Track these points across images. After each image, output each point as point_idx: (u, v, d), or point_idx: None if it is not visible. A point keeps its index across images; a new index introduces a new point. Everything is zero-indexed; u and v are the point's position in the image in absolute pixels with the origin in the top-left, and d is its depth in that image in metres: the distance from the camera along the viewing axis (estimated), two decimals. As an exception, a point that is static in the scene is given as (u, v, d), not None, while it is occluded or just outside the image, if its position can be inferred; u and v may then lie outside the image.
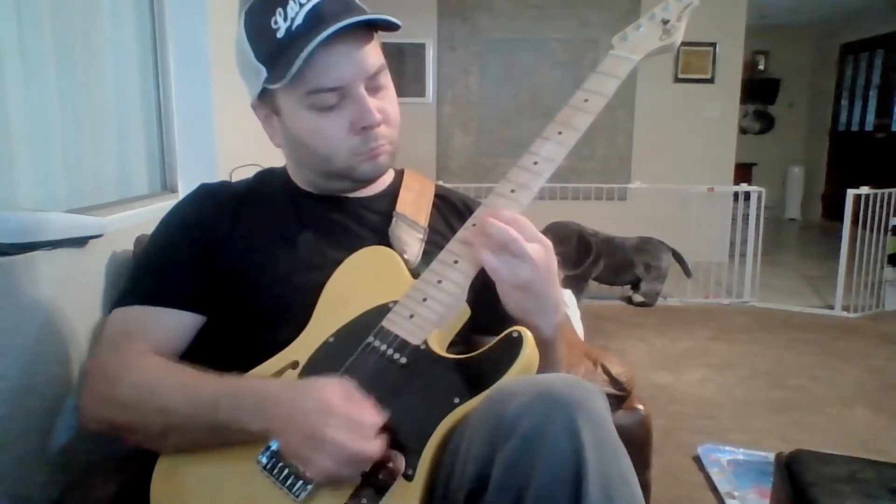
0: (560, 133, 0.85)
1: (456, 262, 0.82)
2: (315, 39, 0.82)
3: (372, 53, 0.90)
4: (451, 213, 1.05)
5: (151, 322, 0.90)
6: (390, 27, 0.90)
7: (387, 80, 0.93)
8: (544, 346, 0.80)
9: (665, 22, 0.91)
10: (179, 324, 0.91)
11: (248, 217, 0.96)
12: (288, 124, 0.92)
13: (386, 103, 0.93)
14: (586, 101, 0.86)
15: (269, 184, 1.02)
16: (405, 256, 0.92)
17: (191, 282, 0.92)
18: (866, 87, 7.02)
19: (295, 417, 0.72)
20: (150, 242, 0.99)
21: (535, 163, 0.85)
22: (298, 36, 0.85)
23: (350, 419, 0.71)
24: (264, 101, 0.94)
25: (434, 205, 1.04)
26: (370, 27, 0.90)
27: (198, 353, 0.95)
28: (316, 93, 0.87)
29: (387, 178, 1.04)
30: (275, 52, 0.87)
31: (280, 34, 0.86)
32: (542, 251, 0.79)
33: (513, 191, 0.84)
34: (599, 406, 0.68)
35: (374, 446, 0.71)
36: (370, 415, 0.72)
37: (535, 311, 0.80)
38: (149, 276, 0.95)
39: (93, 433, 0.87)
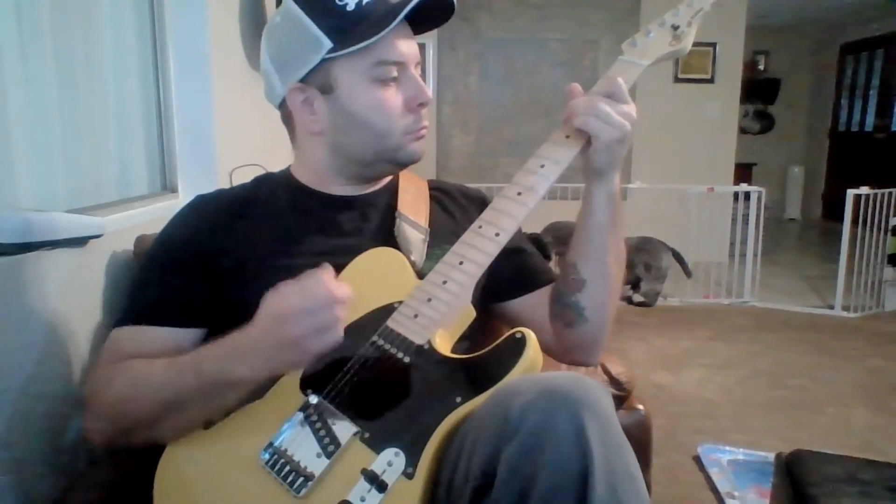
0: (567, 137, 0.87)
1: (461, 262, 0.84)
2: (406, 8, 0.86)
3: (416, 44, 0.96)
4: (450, 202, 1.07)
5: (146, 341, 0.90)
6: (448, 13, 0.95)
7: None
8: (615, 201, 0.90)
9: (675, 28, 0.91)
10: (175, 341, 0.91)
11: (248, 223, 0.96)
12: (344, 99, 0.92)
13: None
14: None
15: (270, 187, 1.01)
16: (411, 258, 0.93)
17: (186, 298, 0.92)
18: (866, 87, 7.03)
19: (263, 326, 0.74)
20: (146, 258, 0.99)
21: (542, 166, 0.86)
22: (371, 10, 0.89)
23: (296, 284, 0.74)
24: (311, 79, 0.92)
25: (432, 199, 1.05)
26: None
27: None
28: (382, 64, 0.90)
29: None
30: (345, 23, 0.89)
31: (350, 7, 0.89)
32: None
33: (519, 193, 0.85)
34: (604, 402, 0.68)
35: (334, 284, 0.73)
36: (312, 276, 0.74)
37: (615, 164, 0.87)
38: (143, 295, 0.94)
39: (103, 448, 0.90)
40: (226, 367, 0.77)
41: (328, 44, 0.89)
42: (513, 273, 1.01)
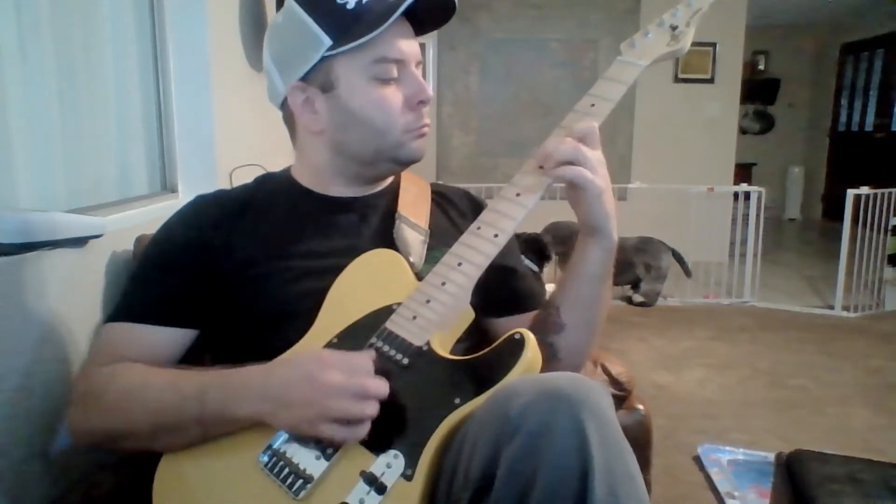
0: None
1: (460, 264, 0.83)
2: (403, 5, 0.86)
3: (417, 43, 0.96)
4: (451, 207, 1.07)
5: (139, 339, 0.90)
6: (448, 13, 0.95)
7: None
8: (612, 253, 0.89)
9: (674, 28, 0.91)
10: (168, 340, 0.91)
11: (249, 224, 0.95)
12: (344, 97, 0.92)
13: None
14: (593, 105, 0.87)
15: (271, 188, 1.01)
16: (410, 259, 0.92)
17: (182, 298, 0.92)
18: (866, 87, 7.02)
19: (289, 381, 0.75)
20: (143, 256, 0.98)
21: (541, 167, 0.85)
22: (370, 8, 0.89)
23: (343, 362, 0.75)
24: (312, 77, 0.92)
25: (433, 202, 1.05)
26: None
27: (199, 355, 0.95)
28: (382, 62, 0.90)
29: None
30: (345, 20, 0.89)
31: (350, 6, 0.89)
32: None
33: (518, 195, 0.85)
34: (604, 403, 0.68)
35: (376, 382, 0.74)
36: (360, 356, 0.77)
37: (610, 215, 0.86)
38: (139, 293, 0.94)
39: (86, 447, 0.88)
40: (229, 404, 0.77)
41: (328, 41, 0.89)
42: (502, 293, 1.01)
